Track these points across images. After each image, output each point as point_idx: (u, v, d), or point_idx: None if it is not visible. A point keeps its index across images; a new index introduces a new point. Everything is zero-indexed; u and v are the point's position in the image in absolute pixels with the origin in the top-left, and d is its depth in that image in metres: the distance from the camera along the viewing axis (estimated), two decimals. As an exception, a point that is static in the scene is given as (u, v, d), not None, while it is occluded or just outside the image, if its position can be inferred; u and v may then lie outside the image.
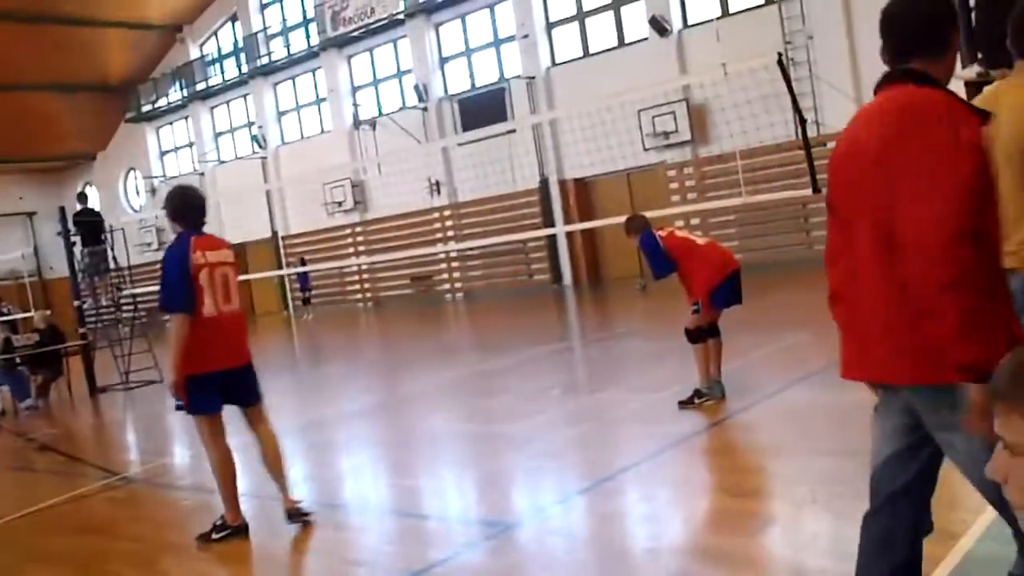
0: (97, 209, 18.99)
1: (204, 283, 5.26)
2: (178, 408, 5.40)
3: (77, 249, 15.20)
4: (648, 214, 8.19)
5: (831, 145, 12.70)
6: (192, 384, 5.20)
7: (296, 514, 5.38)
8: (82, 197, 17.38)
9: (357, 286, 28.93)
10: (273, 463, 5.59)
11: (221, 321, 5.28)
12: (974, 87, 5.35)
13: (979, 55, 5.25)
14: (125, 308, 17.63)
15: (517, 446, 6.92)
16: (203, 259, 5.35)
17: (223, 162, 32.78)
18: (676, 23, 20.99)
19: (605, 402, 8.25)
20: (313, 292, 28.02)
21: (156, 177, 35.35)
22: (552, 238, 23.09)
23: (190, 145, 34.35)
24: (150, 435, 10.55)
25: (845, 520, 4.39)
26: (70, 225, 14.89)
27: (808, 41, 18.78)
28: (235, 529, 5.32)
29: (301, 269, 25.46)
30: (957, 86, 5.40)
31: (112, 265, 16.14)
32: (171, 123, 35.22)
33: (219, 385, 5.31)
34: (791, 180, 16.45)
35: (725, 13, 20.30)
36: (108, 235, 15.97)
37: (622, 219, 7.80)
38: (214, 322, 5.24)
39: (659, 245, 7.16)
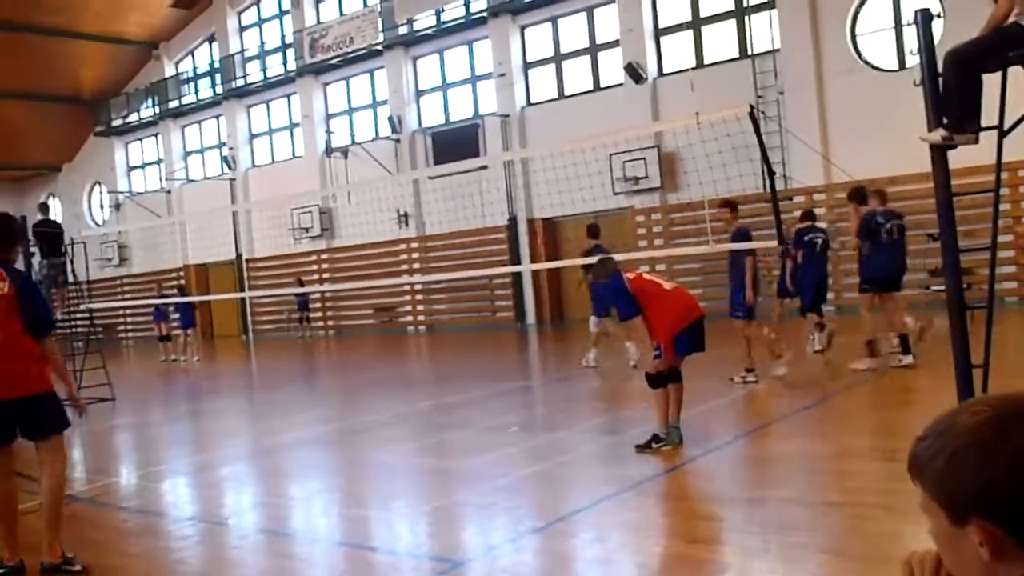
0: (59, 221, 18.72)
1: None
2: None
3: (36, 260, 14.95)
4: (616, 257, 8.23)
5: (798, 199, 13.02)
6: None
7: (53, 570, 4.96)
8: (43, 208, 17.11)
9: (320, 313, 28.72)
10: (46, 509, 5.18)
11: None
12: (939, 151, 5.45)
13: (944, 120, 5.35)
14: (80, 323, 17.33)
15: (471, 482, 6.86)
16: None
17: (191, 181, 32.55)
18: (651, 71, 21.29)
19: (562, 442, 8.21)
20: (308, 313, 27.52)
21: (121, 192, 34.99)
22: (517, 276, 23.13)
23: (158, 162, 34.09)
24: (98, 453, 10.33)
25: (797, 568, 4.39)
26: (30, 235, 14.64)
27: (779, 96, 19.12)
28: (10, 569, 4.94)
29: (300, 289, 25.38)
30: (923, 149, 5.51)
31: (71, 279, 15.89)
32: (140, 139, 34.96)
33: None
34: (757, 232, 16.64)
35: (700, 64, 20.63)
36: (68, 248, 15.73)
37: (589, 260, 7.86)
38: None
39: (626, 288, 7.19)
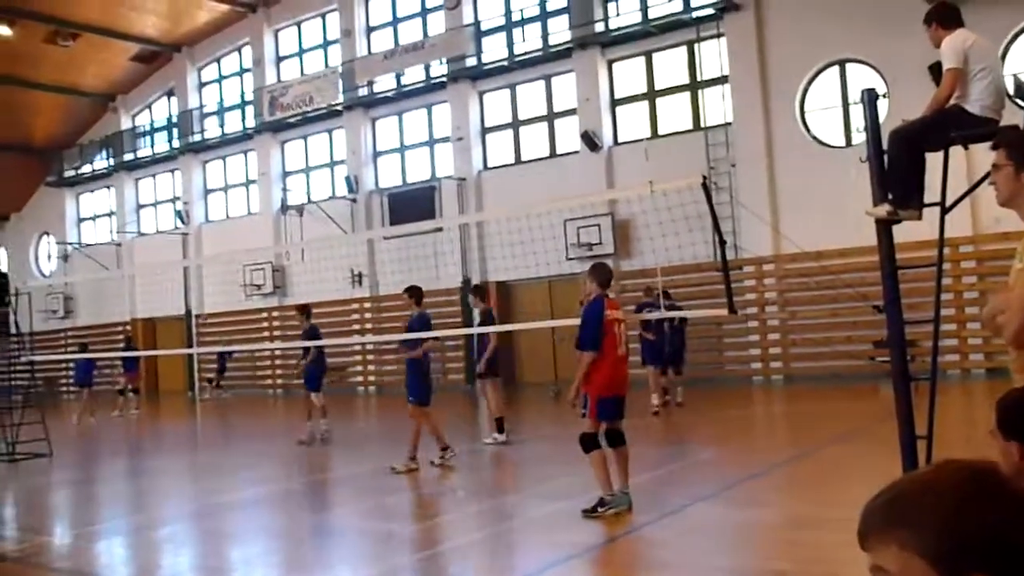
0: (4, 271, 18.35)
1: None
2: None
3: (-23, 310, 14.61)
4: (568, 322, 8.23)
5: (748, 269, 13.19)
6: None
7: None
8: (-11, 257, 16.79)
9: (268, 371, 28.32)
10: None
11: None
12: (884, 225, 5.59)
13: (889, 195, 5.50)
14: (20, 375, 16.89)
15: (415, 547, 6.74)
16: None
17: (143, 234, 32.17)
18: (607, 139, 21.64)
19: (509, 507, 8.12)
20: (224, 374, 27.14)
21: (70, 243, 34.45)
22: (470, 338, 23.06)
23: (110, 214, 33.68)
24: (32, 511, 9.98)
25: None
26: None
27: (731, 168, 19.52)
28: None
29: (220, 349, 24.89)
30: (869, 223, 5.65)
31: (13, 330, 15.52)
32: (92, 191, 34.56)
33: None
34: (708, 300, 16.86)
35: (654, 134, 21.02)
36: (12, 298, 15.40)
37: (542, 324, 7.86)
38: None
39: (601, 320, 7.13)
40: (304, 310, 14.35)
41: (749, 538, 6.45)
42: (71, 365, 25.79)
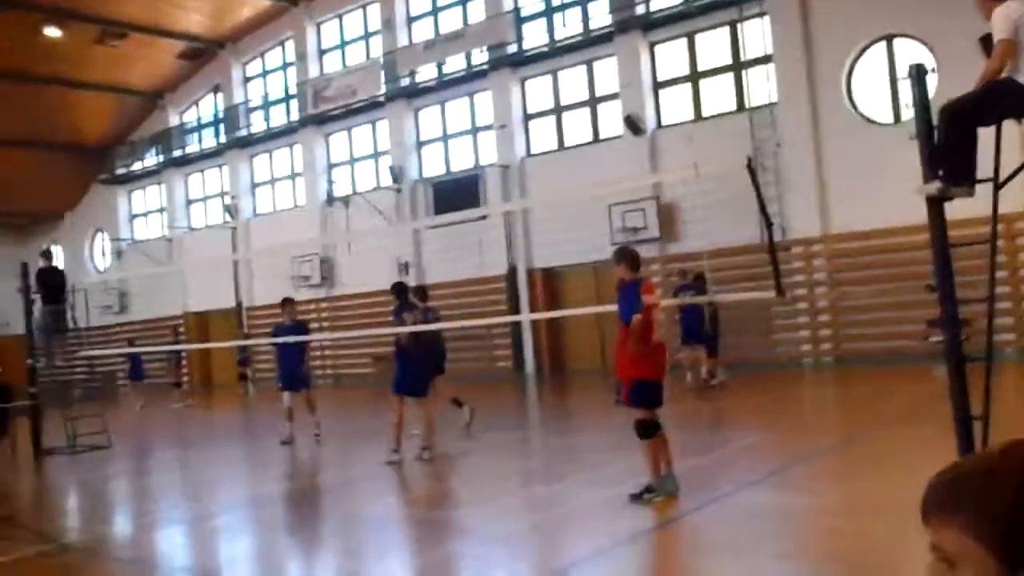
0: (61, 268, 18.77)
1: None
2: None
3: (37, 307, 14.96)
4: (614, 307, 8.19)
5: (796, 250, 13.02)
6: None
7: None
8: (46, 255, 17.18)
9: (319, 362, 28.63)
10: None
11: None
12: (935, 203, 5.49)
13: (940, 173, 5.40)
14: (79, 370, 17.29)
15: (467, 533, 6.80)
16: None
17: (193, 229, 32.69)
18: (650, 123, 21.48)
19: (560, 493, 8.15)
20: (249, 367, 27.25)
21: (124, 240, 35.13)
22: (517, 325, 23.11)
23: (161, 210, 34.26)
24: (93, 502, 10.24)
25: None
26: (32, 282, 14.68)
27: (776, 148, 19.27)
28: None
29: (243, 342, 25.26)
30: (919, 202, 5.55)
31: (71, 325, 15.88)
32: (143, 187, 35.18)
33: None
34: (756, 282, 16.70)
35: (698, 117, 20.83)
36: (70, 295, 15.75)
37: (589, 310, 7.81)
38: None
39: (638, 297, 7.01)
40: (286, 305, 14.35)
41: (798, 524, 6.41)
42: (124, 359, 26.43)
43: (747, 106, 20.03)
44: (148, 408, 21.29)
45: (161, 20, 28.43)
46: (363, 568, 6.20)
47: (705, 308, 15.09)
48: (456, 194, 23.49)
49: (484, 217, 22.37)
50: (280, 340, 13.78)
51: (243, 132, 30.51)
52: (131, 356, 24.10)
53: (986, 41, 5.79)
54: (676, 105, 21.47)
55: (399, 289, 11.59)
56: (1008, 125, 5.32)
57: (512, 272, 23.59)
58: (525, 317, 22.25)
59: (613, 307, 7.84)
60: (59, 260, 36.64)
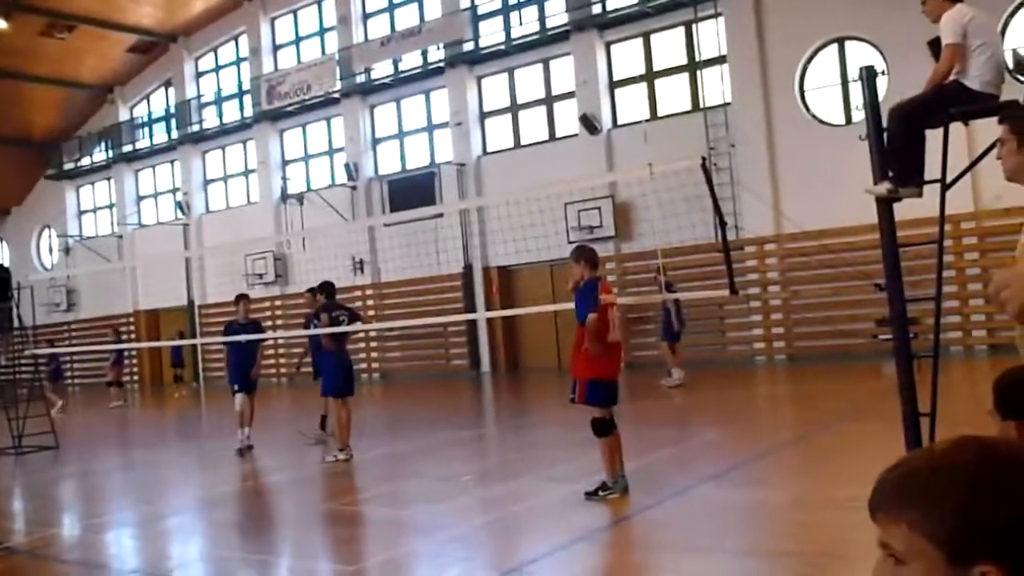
0: (6, 265, 18.38)
1: None
2: None
3: (-20, 305, 14.62)
4: (569, 306, 8.20)
5: (749, 249, 13.18)
6: None
7: None
8: (-10, 252, 16.80)
9: (272, 360, 28.34)
10: None
11: None
12: (884, 204, 5.58)
13: (889, 173, 5.48)
14: (25, 369, 16.93)
15: (423, 532, 6.77)
16: None
17: (144, 226, 32.17)
18: (606, 122, 21.58)
19: (516, 491, 8.14)
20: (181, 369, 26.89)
21: (71, 236, 34.47)
22: (473, 324, 23.09)
23: (110, 206, 33.67)
24: (40, 503, 10.02)
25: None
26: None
27: (731, 148, 19.47)
28: None
29: (179, 342, 24.97)
30: (869, 201, 5.64)
31: (16, 324, 15.55)
32: (92, 183, 34.53)
33: None
34: (710, 281, 16.88)
35: (653, 116, 20.96)
36: (15, 292, 15.41)
37: (545, 308, 7.81)
38: None
39: (595, 296, 7.01)
40: (241, 301, 13.81)
41: (755, 519, 6.47)
42: (88, 357, 26.04)
43: (702, 106, 20.21)
44: (69, 409, 20.97)
45: (111, 13, 27.95)
46: (316, 568, 6.15)
47: (671, 306, 15.37)
48: (412, 192, 23.41)
49: (440, 215, 22.32)
50: (230, 339, 13.49)
51: (195, 127, 30.10)
52: (51, 356, 23.87)
53: (935, 44, 5.90)
54: (632, 104, 21.60)
55: (328, 288, 11.51)
56: (955, 127, 5.43)
57: (468, 270, 23.56)
58: (481, 315, 22.22)
59: (569, 305, 7.85)
60: (4, 257, 35.97)
